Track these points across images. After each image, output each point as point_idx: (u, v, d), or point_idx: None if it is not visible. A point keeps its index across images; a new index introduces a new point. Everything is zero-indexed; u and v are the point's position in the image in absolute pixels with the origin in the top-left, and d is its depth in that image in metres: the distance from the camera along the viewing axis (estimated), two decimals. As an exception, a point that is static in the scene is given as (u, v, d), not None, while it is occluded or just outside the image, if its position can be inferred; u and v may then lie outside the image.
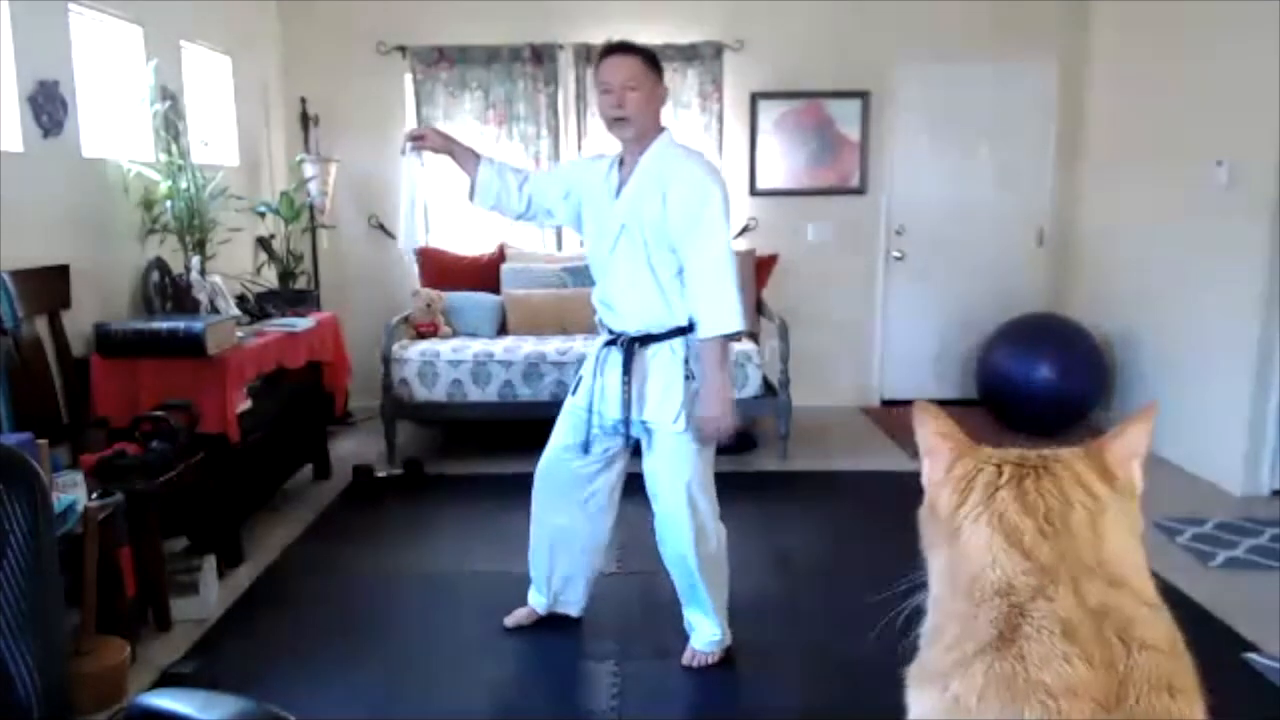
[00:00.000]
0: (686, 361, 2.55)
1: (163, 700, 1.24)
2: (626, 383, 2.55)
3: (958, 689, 0.82)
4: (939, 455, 0.93)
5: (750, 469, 4.67)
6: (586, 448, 2.69)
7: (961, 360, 5.73)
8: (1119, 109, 5.19)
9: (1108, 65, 5.31)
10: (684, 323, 2.54)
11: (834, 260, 5.73)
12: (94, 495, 2.68)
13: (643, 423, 2.59)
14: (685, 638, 2.86)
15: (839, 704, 2.54)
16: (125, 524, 2.75)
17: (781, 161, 5.66)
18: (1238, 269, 4.15)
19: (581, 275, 5.12)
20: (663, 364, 2.55)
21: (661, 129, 2.58)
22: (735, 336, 2.51)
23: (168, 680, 2.55)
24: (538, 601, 2.93)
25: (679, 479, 2.58)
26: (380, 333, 4.71)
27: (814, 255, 5.71)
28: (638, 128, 2.52)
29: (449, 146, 2.76)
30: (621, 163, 2.64)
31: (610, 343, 2.62)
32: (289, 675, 2.69)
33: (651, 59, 2.52)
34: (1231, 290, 4.20)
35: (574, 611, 2.93)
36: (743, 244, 5.46)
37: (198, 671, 2.59)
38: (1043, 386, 4.87)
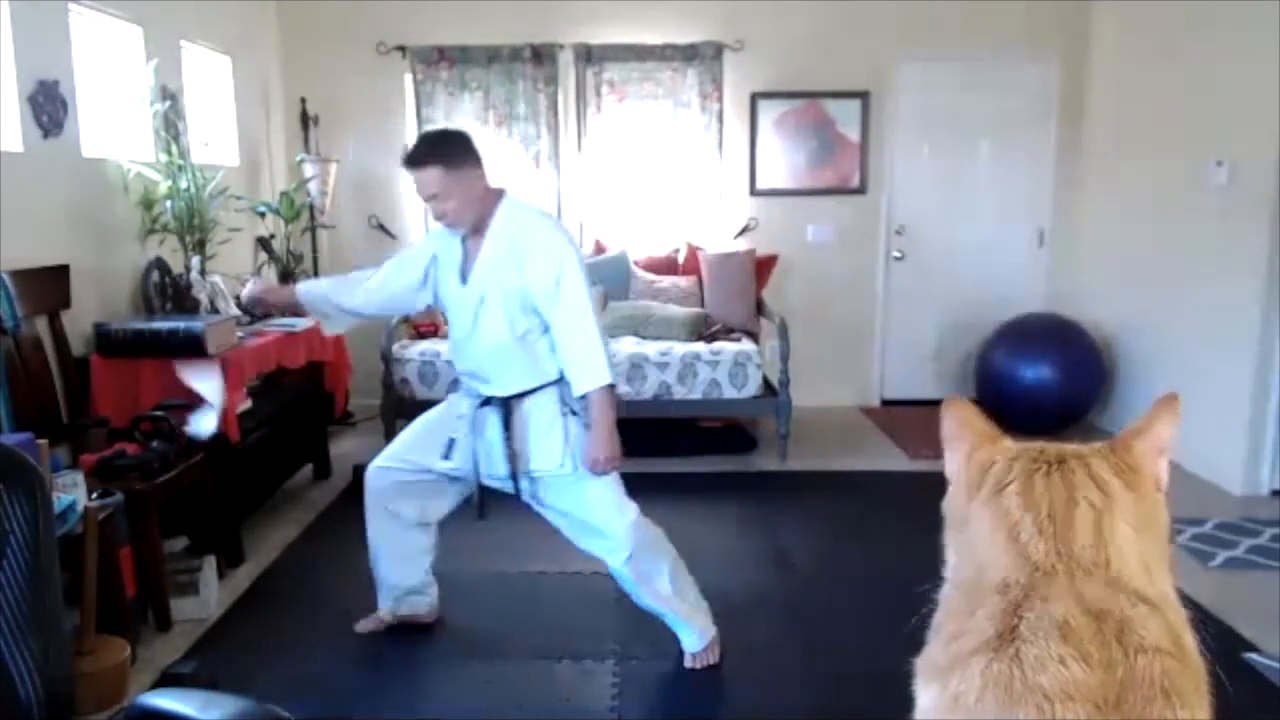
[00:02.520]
0: (563, 400, 2.56)
1: (163, 700, 1.24)
2: (508, 440, 2.56)
3: (957, 688, 0.82)
4: (959, 444, 0.93)
5: (750, 469, 4.67)
6: (481, 511, 2.72)
7: (961, 360, 5.73)
8: (1119, 109, 5.19)
9: (1108, 65, 5.31)
10: (554, 376, 2.57)
11: (834, 260, 5.73)
12: (94, 495, 2.68)
13: (530, 474, 2.59)
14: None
15: (839, 703, 2.54)
16: (125, 524, 2.75)
17: (781, 161, 5.66)
18: (1238, 269, 4.15)
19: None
20: (539, 413, 2.57)
21: (499, 194, 2.57)
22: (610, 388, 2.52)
23: (168, 680, 2.55)
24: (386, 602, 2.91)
25: (591, 520, 2.59)
26: (380, 333, 4.71)
27: (814, 255, 5.71)
28: (470, 221, 2.54)
29: (283, 302, 2.90)
30: (465, 238, 2.62)
31: (485, 404, 2.62)
32: (289, 675, 2.68)
33: (448, 156, 2.46)
34: (1231, 290, 4.20)
35: (426, 609, 2.94)
36: (743, 244, 5.46)
37: (198, 671, 2.58)
38: (1043, 386, 4.87)
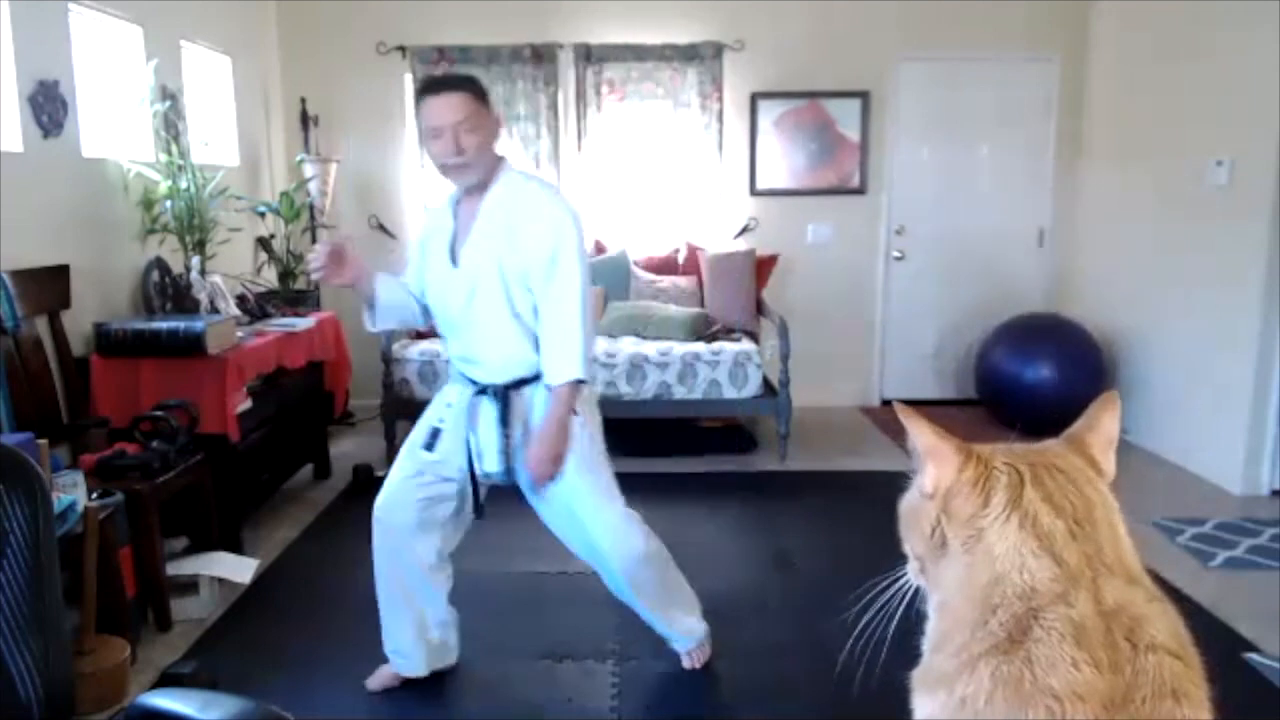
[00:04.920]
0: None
1: (163, 700, 1.24)
2: (505, 434, 2.36)
3: (965, 691, 0.82)
4: (944, 457, 0.88)
5: (750, 469, 4.67)
6: (479, 510, 2.52)
7: (961, 360, 5.73)
8: (1119, 108, 5.19)
9: (1108, 65, 5.31)
10: None
11: (834, 260, 5.73)
12: (94, 495, 2.68)
13: (514, 469, 2.41)
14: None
15: (839, 703, 2.53)
16: (125, 524, 2.75)
17: (781, 161, 5.66)
18: (1238, 268, 4.15)
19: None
20: (539, 409, 2.37)
21: (502, 159, 2.36)
22: (579, 383, 2.31)
23: (168, 680, 2.55)
24: (412, 667, 2.59)
25: (586, 523, 2.43)
26: (380, 333, 4.70)
27: (814, 255, 5.71)
28: (479, 172, 2.29)
29: (355, 280, 2.43)
30: (458, 203, 2.40)
31: (480, 392, 2.40)
32: (289, 675, 2.69)
33: (478, 89, 2.28)
34: (1231, 290, 4.20)
35: (454, 658, 2.67)
36: (743, 244, 5.46)
37: (198, 671, 2.58)
38: (1043, 386, 4.86)
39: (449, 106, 2.22)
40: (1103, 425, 0.90)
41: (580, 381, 2.31)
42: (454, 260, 2.36)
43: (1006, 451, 0.90)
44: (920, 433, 0.89)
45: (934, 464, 0.89)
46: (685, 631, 2.66)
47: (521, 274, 2.29)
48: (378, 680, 2.63)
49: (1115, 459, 0.92)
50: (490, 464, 2.41)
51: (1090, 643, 0.79)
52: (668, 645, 2.71)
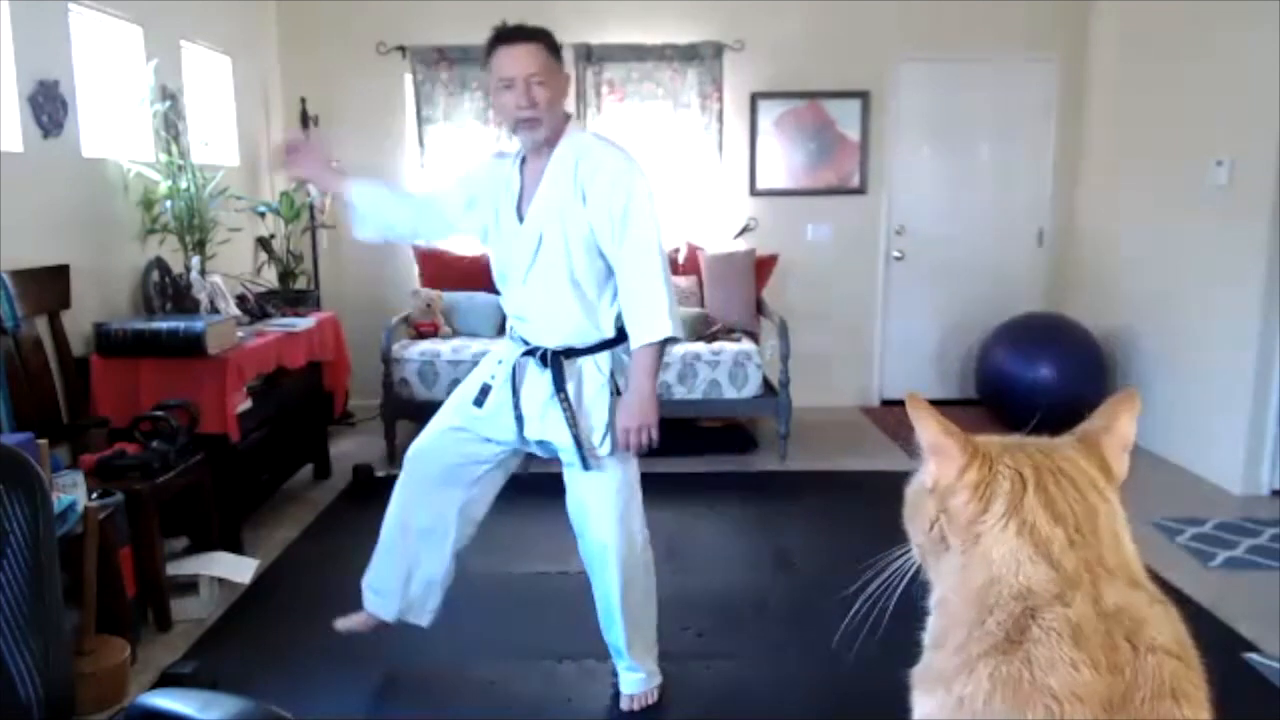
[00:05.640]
0: (613, 376, 2.33)
1: (163, 700, 1.24)
2: (565, 400, 2.28)
3: (963, 691, 0.82)
4: (948, 456, 0.88)
5: (750, 469, 4.67)
6: (526, 467, 2.49)
7: (961, 360, 5.73)
8: (1119, 109, 5.19)
9: (1108, 65, 5.31)
10: (611, 334, 2.33)
11: (834, 260, 5.73)
12: (94, 495, 2.68)
13: (546, 443, 2.35)
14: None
15: (840, 703, 2.54)
16: (125, 524, 2.75)
17: (781, 161, 5.66)
18: (1238, 269, 4.15)
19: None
20: (588, 381, 2.32)
21: (569, 116, 2.32)
22: (671, 341, 2.26)
23: (168, 680, 2.55)
24: (383, 608, 2.60)
25: (609, 510, 2.35)
26: (380, 333, 4.71)
27: (814, 255, 5.71)
28: (549, 128, 2.24)
29: (319, 174, 2.61)
30: (524, 162, 2.35)
31: (529, 353, 2.35)
32: (289, 675, 2.68)
33: (554, 44, 2.24)
34: (1231, 290, 4.20)
35: (426, 621, 2.63)
36: (743, 244, 5.46)
37: (198, 671, 2.58)
38: (1043, 386, 4.86)
39: (524, 57, 2.18)
40: (1119, 426, 0.89)
41: (673, 340, 2.25)
42: (520, 218, 2.31)
43: (1014, 451, 0.89)
44: (926, 428, 0.88)
45: (937, 461, 0.88)
46: (649, 670, 2.52)
47: (586, 235, 2.23)
48: (347, 622, 2.64)
49: (1124, 457, 0.91)
50: (550, 433, 2.32)
51: (1089, 643, 0.79)
52: (676, 642, 2.68)
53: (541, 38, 2.23)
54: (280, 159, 2.45)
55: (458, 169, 2.62)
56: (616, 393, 2.33)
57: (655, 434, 2.29)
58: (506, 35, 2.22)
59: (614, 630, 2.47)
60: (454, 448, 2.46)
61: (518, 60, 2.18)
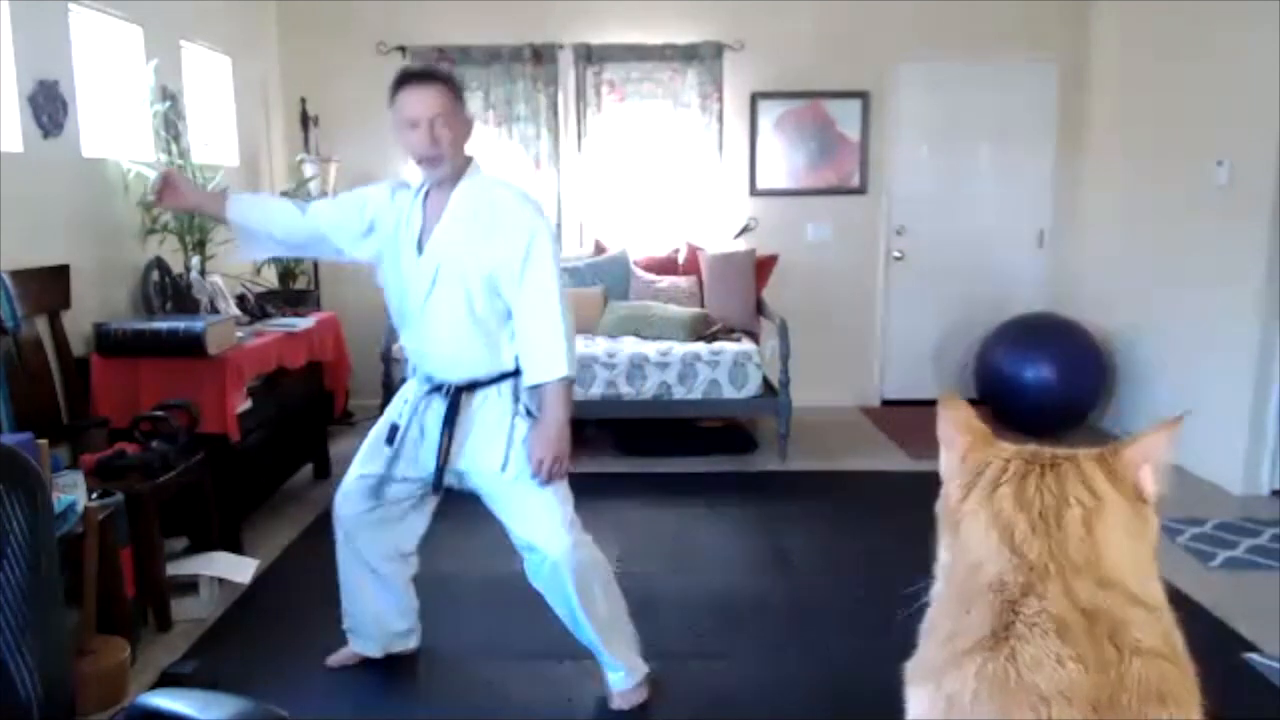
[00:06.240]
0: (517, 400, 2.35)
1: (163, 700, 1.24)
2: (446, 434, 2.34)
3: (951, 688, 0.82)
4: (954, 447, 0.93)
5: (750, 469, 4.67)
6: (379, 492, 2.51)
7: (961, 360, 5.73)
8: (1119, 109, 5.19)
9: (1108, 65, 5.31)
10: (511, 367, 2.35)
11: (834, 260, 5.73)
12: (94, 495, 2.68)
13: (461, 472, 2.40)
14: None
15: (840, 703, 2.54)
16: (125, 524, 2.75)
17: (781, 161, 5.66)
18: (1238, 269, 4.15)
19: (580, 275, 5.12)
20: (489, 410, 2.36)
21: (470, 159, 2.35)
22: (567, 380, 2.29)
23: (168, 680, 2.55)
24: (365, 646, 2.67)
25: (539, 527, 2.35)
26: (380, 333, 4.71)
27: (814, 255, 5.71)
28: (452, 166, 2.29)
29: (195, 202, 2.66)
30: (426, 195, 2.36)
31: (434, 390, 2.40)
32: (289, 675, 2.68)
33: (454, 84, 2.29)
34: (1231, 290, 4.20)
35: (413, 645, 2.72)
36: (743, 244, 5.46)
37: (198, 671, 2.58)
38: (1043, 386, 4.87)
39: (428, 98, 2.22)
40: (1143, 442, 0.89)
41: (568, 379, 2.29)
42: (420, 250, 2.33)
43: (1018, 449, 0.91)
44: (941, 421, 0.95)
45: (945, 451, 0.94)
46: (630, 666, 2.50)
47: (488, 275, 2.27)
48: (337, 658, 2.70)
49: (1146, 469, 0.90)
50: (427, 463, 2.40)
51: (1074, 638, 0.79)
52: (676, 642, 2.68)
53: (445, 80, 2.28)
54: (155, 195, 2.51)
55: (351, 191, 2.58)
56: (528, 413, 2.34)
57: (567, 464, 2.33)
58: (412, 76, 2.27)
59: (586, 636, 2.46)
60: (374, 491, 2.51)
61: (422, 101, 2.23)
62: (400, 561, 2.61)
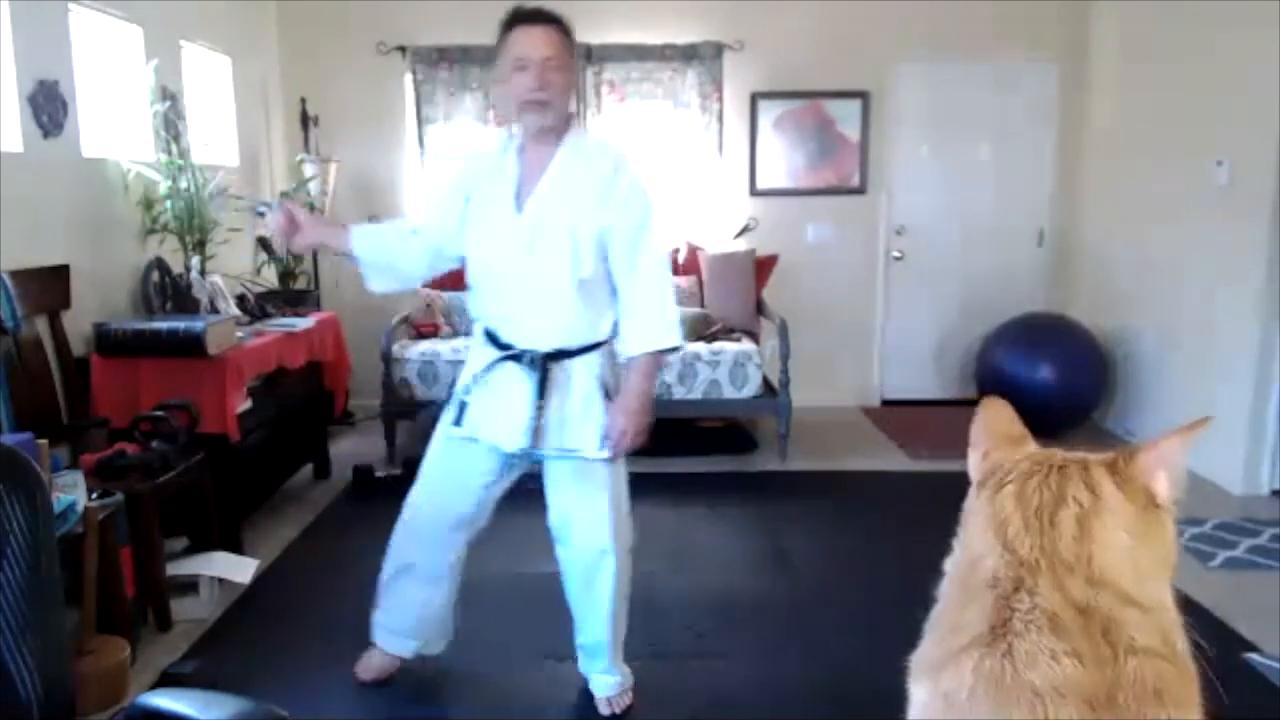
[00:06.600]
0: (603, 376, 2.28)
1: (163, 700, 1.24)
2: (540, 407, 2.20)
3: (948, 685, 0.82)
4: (978, 447, 0.95)
5: (750, 469, 4.67)
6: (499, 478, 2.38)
7: (961, 360, 5.73)
8: (1119, 109, 5.19)
9: (1108, 65, 5.31)
10: (604, 337, 2.26)
11: (834, 260, 5.73)
12: (94, 495, 2.68)
13: (558, 452, 2.27)
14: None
15: (840, 703, 2.54)
16: (125, 524, 2.75)
17: (781, 161, 5.66)
18: (1238, 269, 4.15)
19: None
20: (581, 383, 2.25)
21: (572, 114, 2.24)
22: (673, 350, 2.26)
23: (168, 680, 2.55)
24: (401, 646, 2.58)
25: (606, 514, 2.31)
26: (380, 333, 4.71)
27: (814, 255, 5.71)
28: (558, 114, 2.16)
29: (320, 239, 2.41)
30: (523, 150, 2.24)
31: (509, 358, 2.24)
32: (289, 675, 2.68)
33: (569, 32, 2.17)
34: (1231, 290, 4.20)
35: (440, 649, 2.62)
36: (743, 244, 5.46)
37: (198, 671, 2.58)
38: (1043, 386, 4.86)
39: (542, 39, 2.12)
40: (1159, 446, 0.89)
41: (674, 349, 2.25)
42: (518, 207, 2.19)
43: (1034, 452, 0.93)
44: (975, 422, 0.97)
45: (972, 451, 0.96)
46: (623, 672, 2.51)
47: (597, 237, 2.16)
48: (370, 670, 2.59)
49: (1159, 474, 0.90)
50: (512, 439, 2.23)
51: (1069, 634, 0.79)
52: (676, 641, 2.67)
53: (560, 23, 2.17)
54: (283, 237, 2.32)
55: (437, 187, 2.50)
56: (607, 395, 2.27)
57: (644, 437, 2.28)
58: (526, 16, 2.15)
59: (600, 635, 2.43)
60: (450, 493, 2.40)
61: (535, 42, 2.11)
62: (463, 559, 2.54)
